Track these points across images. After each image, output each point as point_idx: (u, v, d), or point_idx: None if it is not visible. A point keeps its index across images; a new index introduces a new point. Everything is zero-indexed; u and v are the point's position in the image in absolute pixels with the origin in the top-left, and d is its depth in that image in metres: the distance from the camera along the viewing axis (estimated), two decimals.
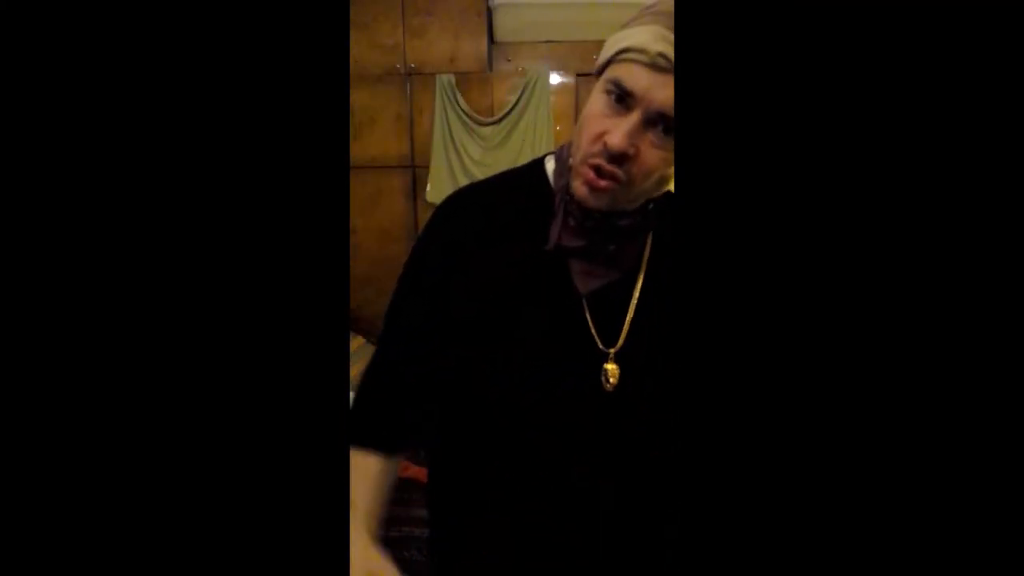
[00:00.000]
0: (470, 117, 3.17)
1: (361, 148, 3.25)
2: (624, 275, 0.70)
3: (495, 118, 3.16)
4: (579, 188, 0.65)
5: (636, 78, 0.59)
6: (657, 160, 0.61)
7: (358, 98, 3.19)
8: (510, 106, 3.15)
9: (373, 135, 3.26)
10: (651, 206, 0.68)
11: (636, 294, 0.69)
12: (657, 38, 0.57)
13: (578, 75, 3.17)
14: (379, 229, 3.34)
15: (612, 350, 0.68)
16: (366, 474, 0.71)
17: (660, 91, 0.58)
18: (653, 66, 0.58)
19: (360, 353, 3.13)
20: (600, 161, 0.62)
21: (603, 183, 0.62)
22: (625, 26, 0.62)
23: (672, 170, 0.63)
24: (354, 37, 3.14)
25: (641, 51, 0.58)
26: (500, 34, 3.26)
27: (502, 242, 0.71)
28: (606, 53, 0.63)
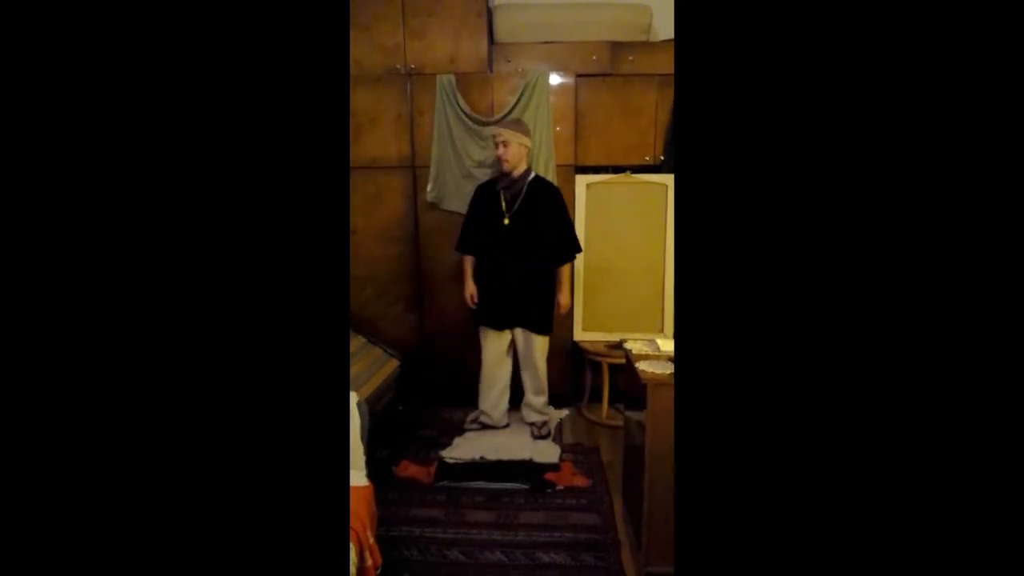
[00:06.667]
0: (470, 117, 3.17)
1: (361, 149, 3.26)
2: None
3: (495, 118, 3.16)
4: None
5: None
6: (516, 155, 2.93)
7: (359, 99, 3.20)
8: (510, 106, 3.15)
9: (373, 136, 3.26)
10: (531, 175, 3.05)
11: (511, 200, 3.02)
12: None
13: (578, 76, 3.17)
14: (379, 229, 3.34)
15: (507, 216, 2.97)
16: (469, 262, 3.13)
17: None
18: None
19: (361, 353, 3.12)
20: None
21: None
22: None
23: (521, 157, 2.98)
24: (354, 38, 3.15)
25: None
26: (500, 35, 3.27)
27: (484, 194, 3.10)
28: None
